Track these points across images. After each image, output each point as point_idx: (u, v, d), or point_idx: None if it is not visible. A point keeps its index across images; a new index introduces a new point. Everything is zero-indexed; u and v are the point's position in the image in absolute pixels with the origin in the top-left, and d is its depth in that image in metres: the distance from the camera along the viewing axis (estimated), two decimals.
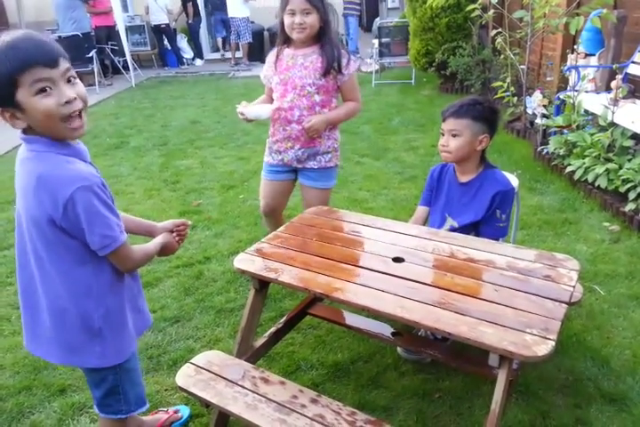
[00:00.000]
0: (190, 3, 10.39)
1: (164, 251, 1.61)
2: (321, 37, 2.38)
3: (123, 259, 1.41)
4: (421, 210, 2.36)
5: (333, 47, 2.38)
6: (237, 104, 2.51)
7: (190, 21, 10.63)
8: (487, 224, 2.14)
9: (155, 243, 1.57)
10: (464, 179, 2.19)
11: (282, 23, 2.38)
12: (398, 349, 2.28)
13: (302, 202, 2.77)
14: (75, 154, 1.34)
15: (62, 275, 1.39)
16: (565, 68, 4.53)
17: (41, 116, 1.23)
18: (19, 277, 1.48)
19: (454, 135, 2.09)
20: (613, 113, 3.70)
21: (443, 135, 2.14)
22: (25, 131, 1.33)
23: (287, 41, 2.44)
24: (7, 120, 1.25)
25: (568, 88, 4.38)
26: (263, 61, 2.76)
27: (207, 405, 1.76)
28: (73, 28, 8.36)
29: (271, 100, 2.57)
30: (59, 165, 1.29)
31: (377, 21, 9.51)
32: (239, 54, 10.57)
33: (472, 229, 2.17)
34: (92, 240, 1.33)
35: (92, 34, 8.88)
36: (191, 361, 1.83)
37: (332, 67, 2.38)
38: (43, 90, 1.20)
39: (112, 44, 9.51)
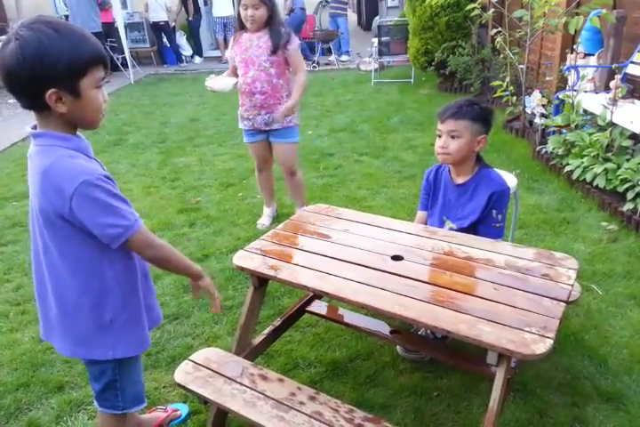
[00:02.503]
0: (190, 0, 10.38)
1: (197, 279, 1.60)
2: (269, 23, 2.94)
3: (141, 246, 1.39)
4: (421, 215, 2.36)
5: (279, 30, 2.95)
6: (207, 77, 3.11)
7: (190, 18, 10.62)
8: (483, 224, 2.13)
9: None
10: (460, 180, 2.18)
11: (239, 13, 2.96)
12: (398, 348, 2.28)
13: (276, 159, 3.37)
14: (78, 148, 1.34)
15: (72, 268, 1.39)
16: (564, 67, 4.54)
17: (94, 106, 1.32)
18: (33, 272, 1.50)
19: (454, 137, 2.08)
20: (612, 113, 3.70)
21: (439, 137, 2.13)
22: (35, 126, 1.35)
23: (244, 27, 3.00)
24: (52, 102, 1.24)
25: (567, 88, 4.38)
26: None
27: (205, 402, 1.77)
28: (91, 27, 8.30)
29: (235, 75, 3.14)
30: (62, 159, 1.29)
31: (376, 20, 9.51)
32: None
33: (470, 230, 2.16)
34: (104, 233, 1.31)
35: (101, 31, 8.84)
36: (190, 358, 1.83)
37: (278, 46, 2.94)
38: (98, 86, 1.32)
39: (111, 41, 9.49)
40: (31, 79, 1.21)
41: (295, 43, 3.02)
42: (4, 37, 1.25)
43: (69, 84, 1.25)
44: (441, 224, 2.24)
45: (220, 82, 3.05)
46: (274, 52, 2.95)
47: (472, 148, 2.09)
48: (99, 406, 1.63)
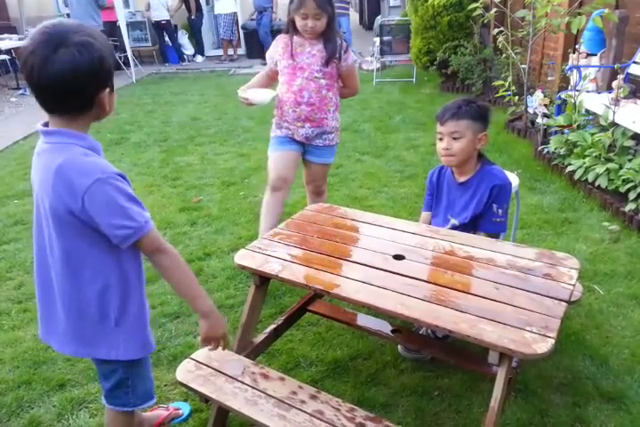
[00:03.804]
0: None
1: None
2: (325, 32, 2.63)
3: (150, 249, 1.37)
4: (425, 215, 2.37)
5: (336, 41, 2.66)
6: (239, 89, 2.73)
7: (193, 17, 10.62)
8: (484, 219, 2.14)
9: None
10: (462, 178, 2.19)
11: (292, 20, 2.61)
12: (399, 347, 2.28)
13: (304, 176, 3.01)
14: (91, 147, 1.35)
15: (79, 267, 1.39)
16: (567, 67, 4.53)
17: (109, 108, 1.37)
18: (36, 270, 1.49)
19: (456, 138, 2.09)
20: (614, 113, 3.70)
21: (441, 140, 2.14)
22: (46, 124, 1.35)
23: (295, 30, 2.65)
24: (105, 99, 1.32)
25: (569, 88, 4.38)
26: (264, 58, 2.98)
27: (207, 400, 1.77)
28: (94, 25, 8.33)
29: (269, 79, 2.85)
30: (76, 157, 1.30)
31: (378, 19, 9.50)
32: (231, 51, 10.92)
33: (471, 226, 2.17)
34: (112, 233, 1.31)
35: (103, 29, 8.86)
36: (191, 357, 1.84)
37: (332, 58, 2.66)
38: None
39: (113, 40, 9.50)
40: (94, 79, 1.27)
41: (351, 59, 2.75)
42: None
43: (112, 80, 1.34)
44: (445, 224, 2.24)
45: (258, 94, 2.68)
46: (326, 63, 2.65)
47: (474, 146, 2.11)
48: (108, 404, 1.62)
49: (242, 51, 10.95)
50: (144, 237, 1.34)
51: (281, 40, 2.74)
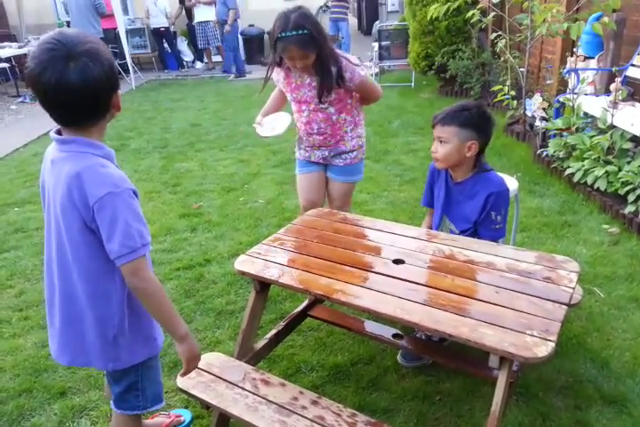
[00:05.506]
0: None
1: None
2: (318, 62, 2.32)
3: (131, 273, 1.33)
4: (431, 211, 2.38)
5: (328, 70, 2.34)
6: (255, 124, 2.61)
7: (194, 23, 10.66)
8: (483, 226, 2.13)
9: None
10: (459, 179, 2.20)
11: (275, 48, 2.31)
12: (398, 357, 2.27)
13: (327, 195, 2.81)
14: (107, 156, 1.36)
15: (85, 277, 1.38)
16: (565, 70, 4.55)
17: (119, 107, 1.37)
18: (46, 278, 1.48)
19: (442, 142, 2.10)
20: (613, 116, 3.71)
21: (434, 141, 2.16)
22: (59, 131, 1.36)
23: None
24: (117, 101, 1.34)
25: (567, 91, 4.39)
26: (263, 64, 2.81)
27: (208, 406, 1.77)
28: (90, 33, 8.36)
29: (283, 95, 2.66)
30: (94, 167, 1.30)
31: (376, 24, 9.56)
32: (216, 59, 10.84)
33: (472, 233, 2.17)
34: (110, 248, 1.30)
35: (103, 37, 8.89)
36: None
37: (328, 91, 2.40)
38: None
39: (112, 47, 9.54)
40: (108, 85, 1.28)
41: (358, 74, 2.40)
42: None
43: (118, 80, 1.35)
44: (439, 220, 2.25)
45: (275, 128, 2.55)
46: (320, 98, 2.43)
47: (462, 153, 2.08)
48: (117, 409, 1.62)
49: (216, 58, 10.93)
50: (136, 260, 1.32)
51: (280, 66, 2.50)
